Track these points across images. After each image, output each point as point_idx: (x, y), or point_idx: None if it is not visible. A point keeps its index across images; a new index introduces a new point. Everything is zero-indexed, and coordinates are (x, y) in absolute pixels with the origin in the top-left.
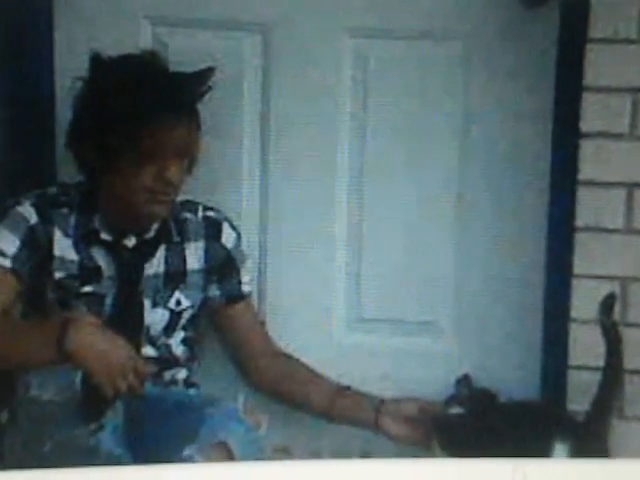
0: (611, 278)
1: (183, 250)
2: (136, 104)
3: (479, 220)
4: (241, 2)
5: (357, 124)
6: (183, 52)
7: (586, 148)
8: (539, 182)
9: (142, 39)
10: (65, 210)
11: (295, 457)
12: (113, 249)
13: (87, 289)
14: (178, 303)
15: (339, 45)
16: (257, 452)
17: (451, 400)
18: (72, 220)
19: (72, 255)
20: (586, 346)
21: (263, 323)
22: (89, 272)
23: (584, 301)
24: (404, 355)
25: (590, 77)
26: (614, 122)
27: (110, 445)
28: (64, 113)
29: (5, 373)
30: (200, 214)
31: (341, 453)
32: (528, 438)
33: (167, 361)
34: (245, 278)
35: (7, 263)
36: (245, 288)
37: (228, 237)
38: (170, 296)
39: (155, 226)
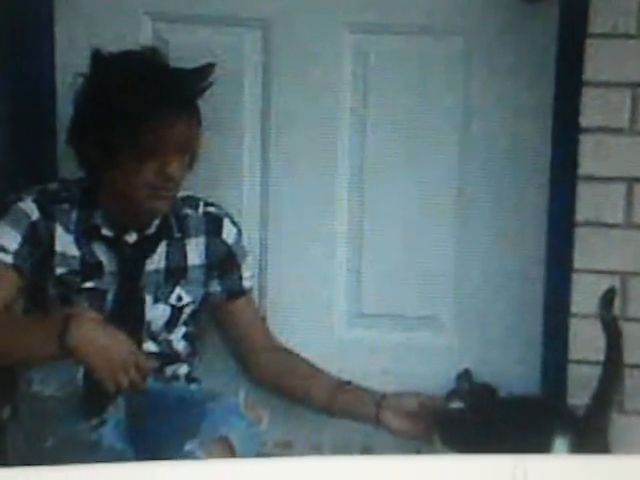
0: (611, 273)
1: (184, 246)
2: (137, 100)
3: (479, 215)
4: None
5: (357, 120)
6: (183, 48)
7: (586, 143)
8: (539, 177)
9: (143, 35)
10: (66, 206)
11: (296, 452)
12: (114, 245)
13: (88, 285)
14: (179, 299)
15: (339, 41)
16: (258, 447)
17: (452, 395)
18: (73, 216)
19: (73, 251)
20: (586, 340)
21: (264, 318)
22: (90, 268)
23: (584, 296)
24: (405, 350)
25: (590, 72)
26: (614, 117)
27: (112, 440)
28: (65, 109)
29: (7, 369)
30: (201, 210)
31: (342, 448)
32: (529, 432)
33: (168, 356)
34: (246, 274)
35: (9, 259)
36: (246, 284)
37: (229, 233)
38: (171, 292)
39: (156, 222)
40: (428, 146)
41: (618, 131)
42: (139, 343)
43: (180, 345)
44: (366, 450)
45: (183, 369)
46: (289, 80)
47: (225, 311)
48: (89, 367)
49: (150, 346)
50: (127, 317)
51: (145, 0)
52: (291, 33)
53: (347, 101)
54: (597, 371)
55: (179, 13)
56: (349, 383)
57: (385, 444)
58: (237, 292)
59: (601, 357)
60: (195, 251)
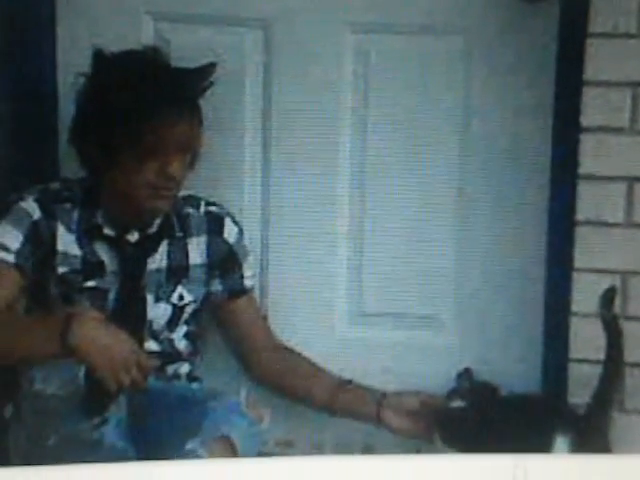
0: (611, 272)
1: (185, 245)
2: (138, 100)
3: (480, 214)
4: None
5: (358, 119)
6: (185, 48)
7: (586, 142)
8: (539, 176)
9: (144, 35)
10: (68, 205)
11: (297, 451)
12: (116, 244)
13: (90, 284)
14: (181, 298)
15: (340, 40)
16: (259, 446)
17: (452, 393)
18: (75, 215)
19: (75, 250)
20: (587, 339)
21: (265, 317)
22: (92, 267)
23: (585, 295)
24: (405, 349)
25: (590, 72)
26: (614, 116)
27: (113, 439)
28: (67, 109)
29: (9, 367)
30: (202, 209)
31: (343, 447)
32: (529, 431)
33: (170, 355)
34: (247, 273)
35: (11, 258)
36: (247, 283)
37: (230, 232)
38: (173, 291)
39: (158, 221)
40: (428, 145)
41: (618, 130)
42: (141, 342)
43: (181, 344)
44: (367, 449)
45: (184, 368)
46: (290, 80)
47: (226, 310)
48: (91, 366)
49: (151, 345)
50: (129, 316)
51: (147, 0)
52: (292, 33)
53: (348, 100)
54: (598, 370)
55: (180, 13)
56: (350, 382)
57: (386, 443)
58: (238, 291)
59: (602, 356)
60: (196, 250)
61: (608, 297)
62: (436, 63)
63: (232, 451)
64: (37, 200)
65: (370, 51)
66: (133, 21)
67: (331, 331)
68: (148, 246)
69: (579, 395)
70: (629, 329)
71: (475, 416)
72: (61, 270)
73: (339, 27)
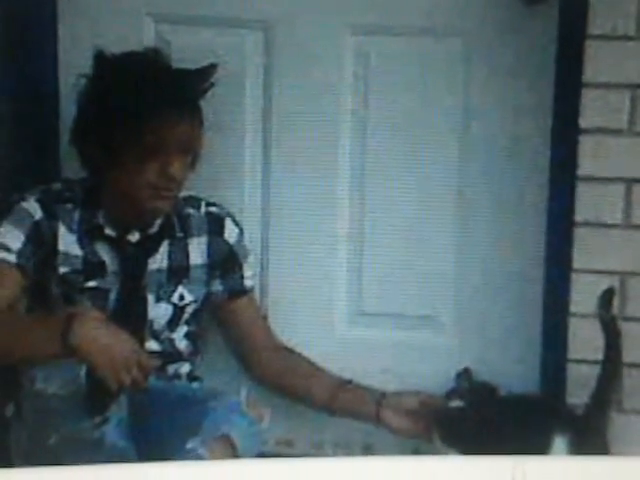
0: (610, 273)
1: (186, 245)
2: (139, 101)
3: (479, 215)
4: (243, 0)
5: (358, 120)
6: (186, 49)
7: (585, 144)
8: (539, 177)
9: (145, 36)
10: (69, 206)
11: (297, 450)
12: (117, 244)
13: (91, 284)
14: (181, 298)
15: (340, 42)
16: (259, 445)
17: (452, 393)
18: (76, 215)
19: (76, 250)
20: (585, 340)
21: (265, 317)
22: (93, 267)
23: (583, 295)
24: (405, 349)
25: (589, 73)
26: (613, 118)
27: (114, 438)
28: (68, 110)
29: (10, 367)
30: (203, 210)
31: (343, 446)
32: (528, 431)
33: (170, 355)
34: (247, 273)
35: (12, 258)
36: (247, 283)
37: (231, 232)
38: (173, 291)
39: (158, 221)
40: (428, 146)
41: (617, 132)
42: (141, 342)
43: (182, 344)
44: (367, 448)
45: (185, 368)
46: (290, 81)
47: (227, 310)
48: (92, 365)
49: (152, 345)
50: (129, 316)
51: (148, 1)
52: (292, 35)
53: (348, 102)
54: (596, 370)
55: (181, 14)
56: (350, 382)
57: (385, 443)
58: (239, 291)
59: (600, 356)
60: (197, 250)
61: (606, 298)
62: (436, 65)
63: (232, 450)
64: (38, 200)
65: (370, 53)
66: (134, 22)
67: (331, 331)
68: (149, 246)
69: (577, 395)
70: (627, 330)
71: (474, 416)
72: (62, 270)
73: (339, 29)
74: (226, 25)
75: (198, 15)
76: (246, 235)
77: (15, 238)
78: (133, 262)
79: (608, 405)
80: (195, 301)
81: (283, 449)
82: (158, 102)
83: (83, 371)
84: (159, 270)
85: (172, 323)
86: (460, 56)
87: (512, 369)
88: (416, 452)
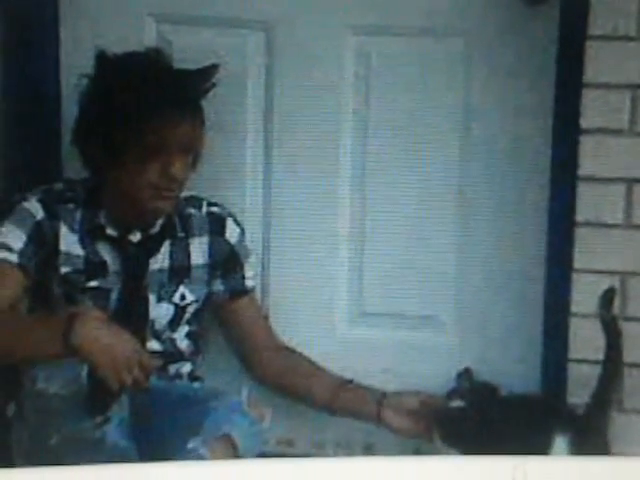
0: (611, 272)
1: (187, 245)
2: (141, 101)
3: (480, 215)
4: (244, 0)
5: (359, 120)
6: (187, 49)
7: (586, 144)
8: (539, 178)
9: (147, 36)
10: (71, 206)
11: (298, 450)
12: (118, 244)
13: (93, 284)
14: (183, 298)
15: (342, 42)
16: (260, 445)
17: (452, 393)
18: (78, 215)
19: (78, 250)
20: (586, 340)
21: (266, 317)
22: (95, 267)
23: (584, 295)
24: (406, 349)
25: (590, 74)
26: (614, 118)
27: (116, 438)
28: (70, 110)
29: (12, 367)
30: (204, 210)
31: (344, 446)
32: (528, 431)
33: (172, 355)
34: (249, 273)
35: (14, 258)
36: (249, 283)
37: (232, 232)
38: (175, 291)
39: (160, 221)
40: (429, 146)
41: (618, 132)
42: (143, 342)
43: (183, 344)
44: (367, 448)
45: (186, 367)
46: (292, 81)
47: (228, 310)
48: (93, 365)
49: (154, 345)
50: (131, 316)
51: (149, 2)
52: (294, 35)
53: (349, 102)
54: (597, 370)
55: (183, 15)
56: (351, 382)
57: (386, 442)
58: (240, 291)
59: (601, 356)
60: (198, 251)
61: (607, 298)
62: (436, 65)
63: (233, 450)
64: (40, 200)
65: (371, 53)
66: (136, 23)
67: (332, 331)
68: (150, 246)
69: (578, 395)
70: (628, 330)
71: (475, 416)
72: (64, 270)
73: (340, 29)
74: (227, 25)
75: (199, 15)
76: (247, 235)
77: (17, 238)
78: (134, 262)
79: (609, 405)
80: (196, 301)
81: (284, 449)
82: (160, 102)
83: (84, 371)
84: (160, 270)
85: (173, 323)
86: (461, 56)
87: (513, 369)
88: (417, 452)
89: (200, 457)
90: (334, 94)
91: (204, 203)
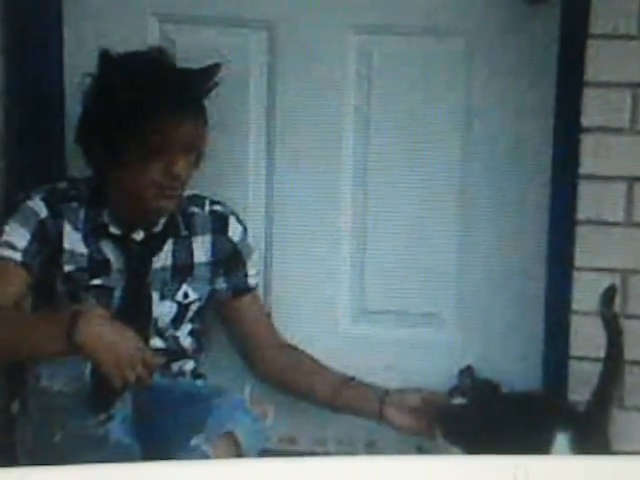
0: (612, 270)
1: (190, 244)
2: (144, 100)
3: (481, 213)
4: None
5: (361, 119)
6: (190, 49)
7: (587, 142)
8: (540, 176)
9: (150, 36)
10: (75, 204)
11: (301, 447)
12: (122, 243)
13: (96, 282)
14: (186, 296)
15: (343, 41)
16: (263, 442)
17: (454, 391)
18: (81, 214)
19: (81, 248)
20: (587, 337)
21: (269, 315)
22: (98, 265)
23: (585, 293)
24: (408, 346)
25: (591, 73)
26: (614, 117)
27: (119, 435)
28: (73, 109)
29: (16, 364)
30: (207, 208)
31: (346, 443)
32: (530, 428)
33: (175, 352)
34: (251, 271)
35: (18, 256)
36: (251, 281)
37: (234, 231)
38: (178, 289)
39: (163, 220)
40: (431, 145)
41: (618, 131)
42: (146, 339)
43: (186, 341)
44: (370, 445)
45: (189, 365)
46: (294, 80)
47: (231, 308)
48: (97, 363)
49: (157, 342)
50: (134, 314)
51: (152, 1)
52: (296, 34)
53: (351, 101)
54: (598, 368)
55: (186, 14)
56: (353, 379)
57: (388, 440)
58: (242, 289)
59: (602, 354)
60: (201, 249)
61: (608, 296)
62: (438, 64)
63: (236, 447)
64: (44, 199)
65: (373, 52)
66: (139, 22)
67: (334, 328)
68: (153, 245)
69: (579, 392)
70: (629, 327)
71: (476, 413)
72: (67, 268)
73: (342, 28)
74: (230, 25)
75: (202, 15)
76: (250, 232)
77: (21, 236)
78: (138, 260)
79: (610, 402)
80: (199, 299)
81: (286, 446)
82: (163, 101)
83: (88, 368)
84: (163, 268)
85: (176, 321)
86: (462, 55)
87: (514, 366)
88: (419, 449)
89: (203, 454)
90: (336, 93)
91: (207, 202)
